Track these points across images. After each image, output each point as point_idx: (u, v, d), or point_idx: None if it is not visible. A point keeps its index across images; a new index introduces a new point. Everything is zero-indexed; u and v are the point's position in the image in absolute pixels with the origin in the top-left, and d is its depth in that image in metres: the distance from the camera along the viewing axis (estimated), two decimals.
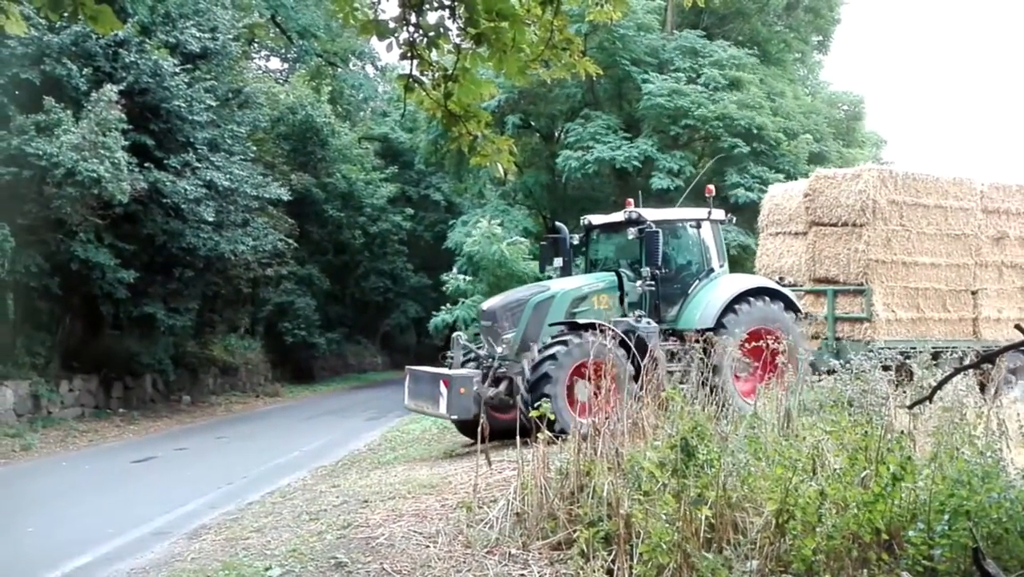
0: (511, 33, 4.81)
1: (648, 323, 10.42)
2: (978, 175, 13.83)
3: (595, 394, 9.34)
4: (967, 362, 8.01)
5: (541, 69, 5.55)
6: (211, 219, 17.61)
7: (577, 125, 24.55)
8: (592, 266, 12.09)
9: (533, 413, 6.96)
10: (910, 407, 6.15)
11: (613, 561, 4.78)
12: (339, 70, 36.47)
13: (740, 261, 19.26)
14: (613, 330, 9.93)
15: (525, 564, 5.28)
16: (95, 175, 14.10)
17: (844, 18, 35.89)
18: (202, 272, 19.81)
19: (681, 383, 8.59)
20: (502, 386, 10.35)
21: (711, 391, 7.35)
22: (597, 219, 12.13)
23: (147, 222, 17.21)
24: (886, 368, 8.46)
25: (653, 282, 10.76)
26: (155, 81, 16.46)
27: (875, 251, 12.60)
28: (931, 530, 4.21)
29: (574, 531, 5.27)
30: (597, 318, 10.18)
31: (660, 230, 10.67)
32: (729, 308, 10.70)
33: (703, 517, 4.50)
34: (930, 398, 5.29)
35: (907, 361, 9.66)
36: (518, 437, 6.47)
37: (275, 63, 35.91)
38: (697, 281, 11.33)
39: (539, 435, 6.20)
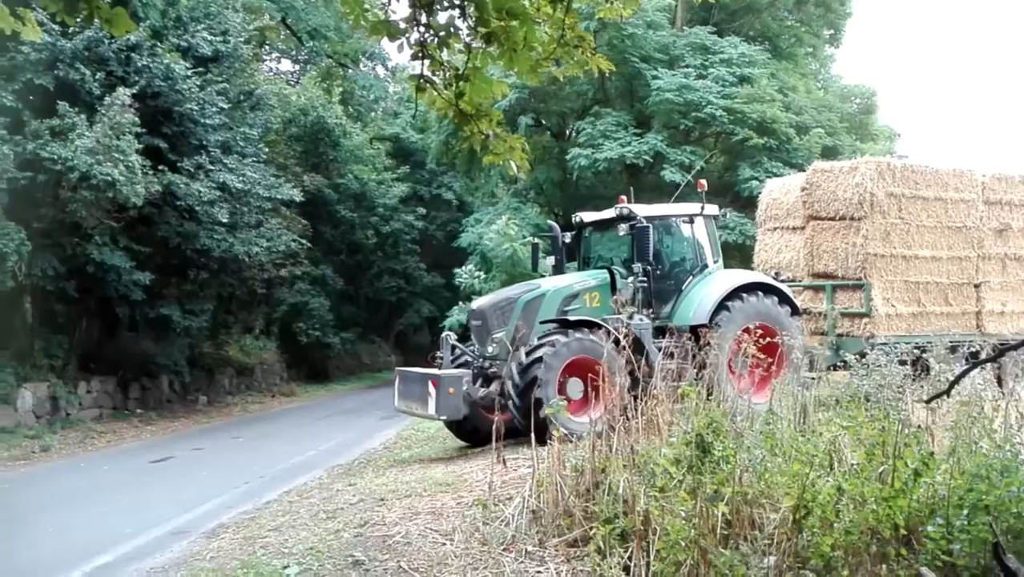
0: (522, 31, 4.81)
1: (641, 320, 10.29)
2: (980, 166, 13.64)
3: (594, 392, 9.32)
4: (983, 356, 7.96)
5: (552, 67, 5.55)
6: (225, 221, 17.70)
7: (587, 124, 24.54)
8: (585, 264, 11.94)
9: (549, 410, 6.99)
10: (927, 401, 6.12)
11: (630, 558, 4.78)
12: (350, 71, 36.53)
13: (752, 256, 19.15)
14: (606, 327, 9.72)
15: (542, 561, 5.29)
16: (110, 178, 14.20)
17: (856, 11, 35.63)
18: (217, 273, 19.94)
19: (675, 381, 8.51)
20: (493, 386, 10.20)
21: (708, 390, 7.26)
22: (589, 216, 11.98)
23: (161, 224, 17.31)
24: (902, 363, 8.42)
25: (645, 279, 10.63)
26: (167, 84, 16.55)
27: (874, 245, 12.37)
28: (950, 525, 4.19)
29: (590, 528, 5.27)
30: (589, 316, 10.10)
31: (651, 226, 10.53)
32: (723, 304, 10.57)
33: (720, 514, 4.49)
34: (948, 392, 5.25)
35: (923, 355, 9.61)
36: (533, 438, 6.47)
37: (286, 65, 36.06)
38: (691, 277, 11.19)
39: (554, 433, 6.22)
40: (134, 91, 15.30)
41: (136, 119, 14.96)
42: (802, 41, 30.06)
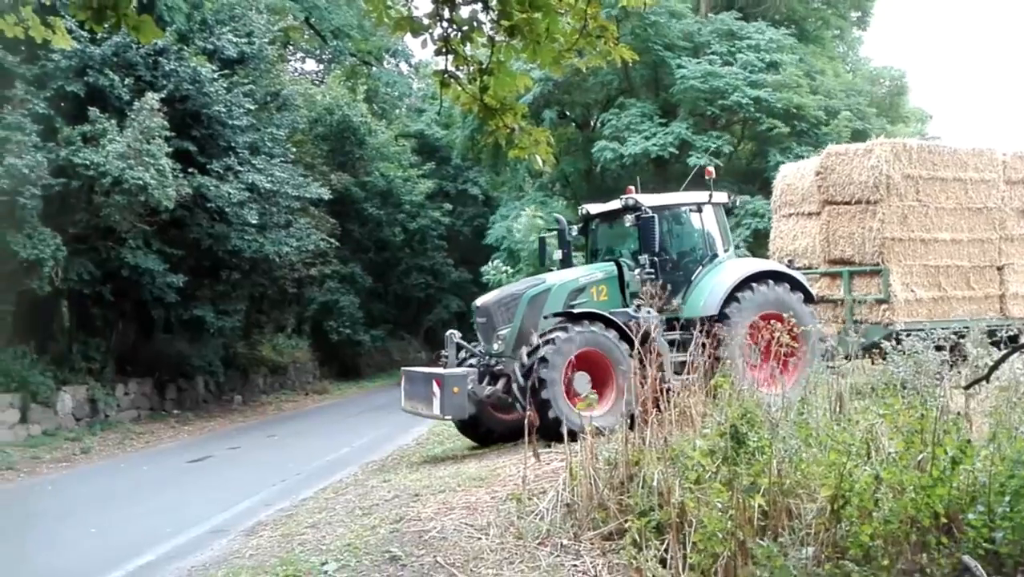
0: (544, 23, 4.79)
1: (648, 312, 10.00)
2: (1000, 145, 13.24)
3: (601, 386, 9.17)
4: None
5: (575, 58, 5.52)
6: (255, 221, 17.87)
7: (612, 116, 24.42)
8: (593, 257, 11.73)
9: (579, 406, 6.96)
10: (966, 388, 6.02)
11: (666, 550, 4.77)
12: (373, 69, 36.68)
13: None
14: (612, 320, 9.65)
15: (577, 555, 5.29)
16: (141, 182, 14.38)
17: None
18: (248, 274, 20.15)
19: (686, 373, 8.37)
20: (500, 384, 10.02)
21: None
22: (595, 208, 11.73)
23: (193, 227, 17.52)
24: (939, 348, 8.28)
25: (653, 270, 10.34)
26: (195, 88, 16.71)
27: (891, 229, 12.06)
28: (991, 512, 4.12)
29: (625, 521, 5.26)
30: (596, 310, 9.91)
31: (656, 215, 10.27)
32: (733, 295, 10.28)
33: (756, 505, 4.45)
34: (987, 378, 5.16)
35: (960, 341, 9.43)
36: (564, 435, 6.44)
37: (310, 65, 36.30)
38: (700, 267, 10.87)
39: (587, 425, 6.20)
40: (162, 95, 15.48)
41: (165, 123, 15.13)
42: (828, 24, 29.66)
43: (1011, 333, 10.15)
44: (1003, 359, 5.19)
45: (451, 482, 8.04)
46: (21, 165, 13.39)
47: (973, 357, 8.09)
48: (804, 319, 9.95)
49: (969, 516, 4.16)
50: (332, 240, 23.54)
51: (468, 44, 5.03)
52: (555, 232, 12.35)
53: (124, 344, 18.95)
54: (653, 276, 10.35)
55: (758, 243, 19.56)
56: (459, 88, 5.15)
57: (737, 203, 12.21)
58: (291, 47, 31.45)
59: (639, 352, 6.86)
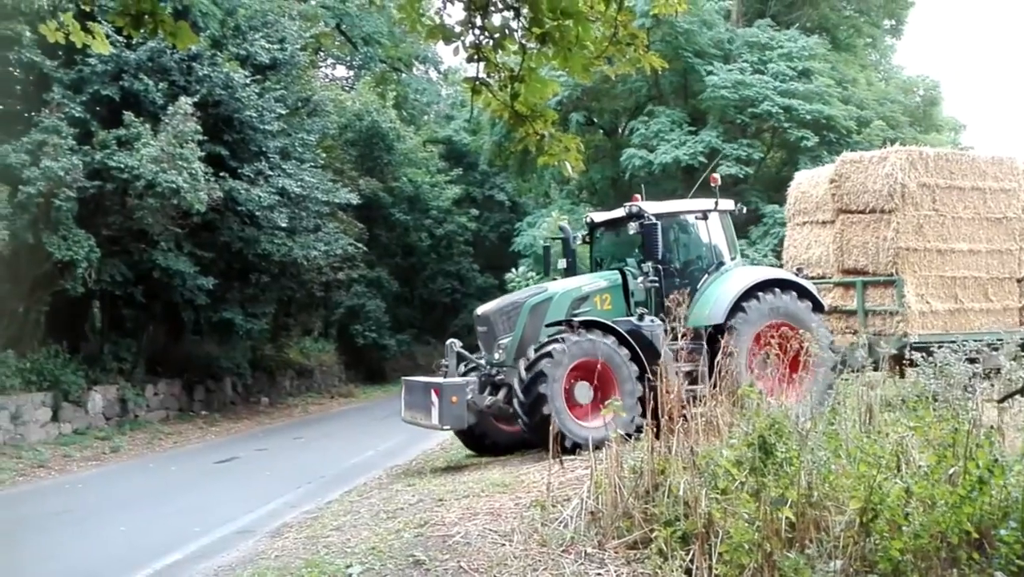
0: (575, 31, 4.80)
1: (652, 321, 9.93)
2: (1020, 154, 12.95)
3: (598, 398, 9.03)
4: None
5: (605, 65, 5.53)
6: (284, 225, 18.05)
7: (640, 124, 24.37)
8: (598, 266, 11.54)
9: (604, 411, 6.91)
10: (1000, 401, 5.93)
11: (691, 561, 4.73)
12: (403, 75, 36.93)
13: None
14: (614, 328, 9.50)
15: (601, 563, 5.26)
16: (174, 186, 14.58)
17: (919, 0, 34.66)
18: (277, 277, 20.34)
19: (692, 383, 8.24)
20: (500, 394, 9.82)
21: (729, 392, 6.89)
22: (599, 217, 11.62)
23: (224, 230, 17.73)
24: (971, 361, 8.14)
25: (656, 278, 10.20)
26: (227, 93, 16.92)
27: (906, 239, 11.77)
28: None
29: (651, 530, 5.23)
30: (600, 319, 9.75)
31: (659, 222, 10.04)
32: (739, 304, 10.08)
33: (784, 517, 4.41)
34: (1022, 391, 5.07)
35: (993, 353, 9.25)
36: (590, 442, 6.43)
37: (341, 71, 36.61)
38: (706, 276, 10.68)
39: (611, 433, 6.17)
40: (195, 100, 15.69)
41: (198, 127, 15.33)
42: (861, 32, 29.41)
43: None
44: None
45: (475, 487, 8.04)
46: (57, 168, 13.64)
47: (1007, 370, 7.94)
48: (812, 328, 9.77)
49: (1001, 532, 4.09)
50: (360, 245, 23.70)
51: (499, 51, 5.05)
52: (560, 240, 12.19)
53: (154, 345, 19.22)
54: (657, 284, 10.23)
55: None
56: (490, 95, 5.17)
57: (743, 211, 11.98)
58: (322, 53, 31.76)
59: (642, 360, 6.74)
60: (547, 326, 9.88)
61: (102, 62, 14.98)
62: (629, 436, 6.19)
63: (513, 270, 23.64)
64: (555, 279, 11.48)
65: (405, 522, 6.99)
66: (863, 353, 8.35)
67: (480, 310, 10.69)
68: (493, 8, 4.99)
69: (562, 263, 11.67)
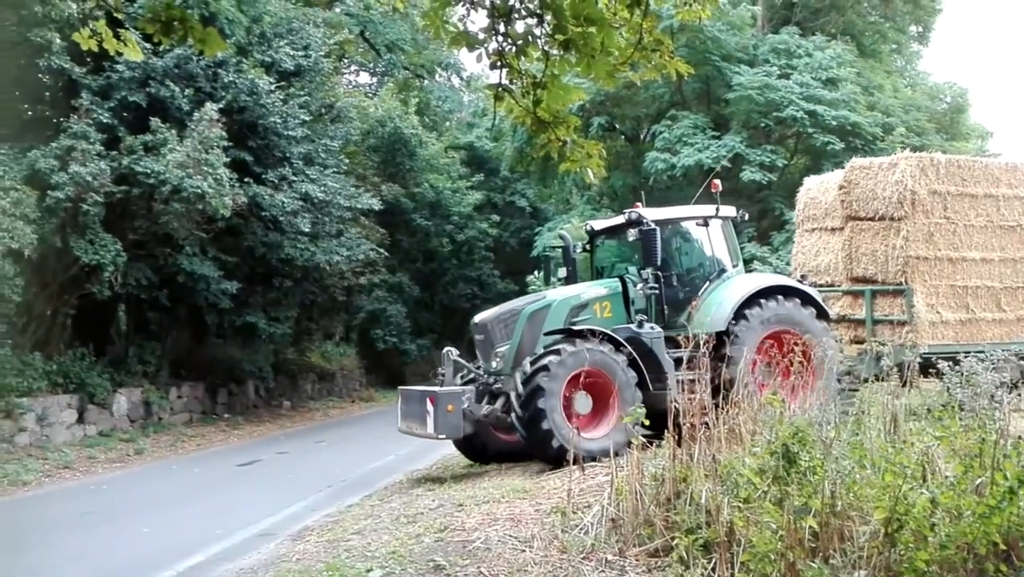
0: (599, 37, 4.80)
1: (652, 328, 9.79)
2: None
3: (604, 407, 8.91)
4: None
5: (629, 71, 5.52)
6: (307, 230, 18.16)
7: (664, 128, 24.33)
8: (598, 275, 11.44)
9: (627, 419, 6.88)
10: None
11: (713, 569, 4.71)
12: (425, 82, 37.11)
13: None
14: (613, 337, 9.40)
15: (622, 571, 5.25)
16: (199, 191, 14.73)
17: (946, 6, 34.36)
18: (300, 282, 20.47)
19: (693, 392, 8.13)
20: (498, 403, 9.73)
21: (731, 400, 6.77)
22: (599, 225, 11.54)
23: (247, 235, 17.87)
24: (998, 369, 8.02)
25: (656, 285, 10.11)
26: (252, 99, 17.07)
27: (915, 247, 11.49)
28: None
29: (672, 538, 5.20)
30: (600, 327, 9.63)
31: (657, 228, 9.95)
32: (741, 311, 9.95)
33: (807, 526, 4.37)
34: None
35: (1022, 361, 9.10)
36: (612, 449, 6.41)
37: (364, 77, 36.85)
38: (707, 283, 10.60)
39: (632, 439, 6.15)
40: (221, 106, 15.84)
41: (223, 133, 15.47)
42: (886, 38, 29.19)
43: None
44: None
45: (495, 493, 8.05)
46: (85, 173, 13.83)
47: None
48: (816, 336, 9.62)
49: None
50: (381, 250, 23.81)
51: (523, 58, 5.07)
52: (560, 249, 12.05)
53: (178, 348, 19.40)
54: (657, 291, 10.14)
55: None
56: (512, 101, 5.19)
57: (745, 217, 11.80)
58: (346, 60, 31.97)
59: (642, 368, 6.61)
60: (545, 334, 9.76)
61: (130, 69, 15.16)
62: (630, 444, 6.12)
63: (535, 273, 23.64)
64: (556, 288, 11.40)
65: (425, 527, 7.01)
66: (871, 363, 8.17)
67: (477, 318, 10.59)
68: (516, 15, 5.01)
69: (562, 272, 11.57)
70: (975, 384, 7.26)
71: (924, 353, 10.48)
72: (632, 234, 10.21)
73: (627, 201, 27.19)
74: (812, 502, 4.53)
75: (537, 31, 5.07)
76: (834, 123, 22.27)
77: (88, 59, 14.79)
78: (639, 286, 10.19)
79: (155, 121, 15.17)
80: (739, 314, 9.95)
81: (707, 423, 6.13)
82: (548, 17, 4.94)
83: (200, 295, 17.27)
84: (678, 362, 9.62)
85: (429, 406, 9.54)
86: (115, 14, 6.31)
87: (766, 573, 4.27)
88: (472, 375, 10.43)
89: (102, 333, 17.58)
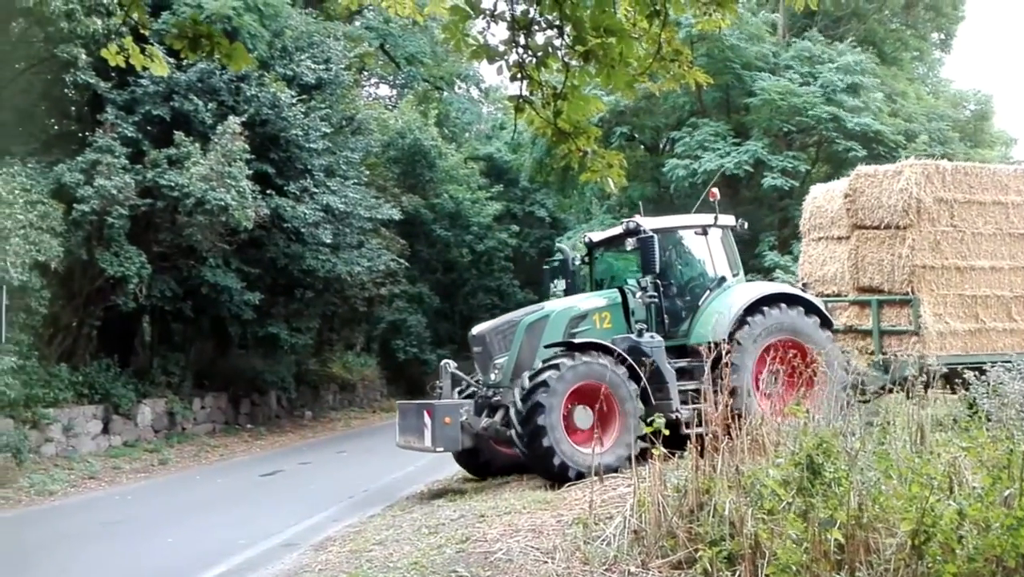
0: (619, 48, 4.81)
1: (652, 337, 9.66)
2: None
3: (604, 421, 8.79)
4: None
5: (648, 82, 5.53)
6: (328, 241, 18.30)
7: (684, 135, 24.28)
8: (598, 287, 11.34)
9: (648, 429, 6.83)
10: None
11: None
12: (445, 94, 37.31)
13: None
14: (614, 349, 9.27)
15: None
16: (223, 203, 14.89)
17: (969, 13, 34.06)
18: (321, 292, 20.61)
19: (695, 403, 8.01)
20: (497, 416, 9.61)
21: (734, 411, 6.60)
22: (598, 236, 11.46)
23: (270, 246, 18.04)
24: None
25: (656, 294, 10.00)
26: (274, 112, 17.25)
27: (921, 256, 11.24)
28: None
29: (695, 550, 5.16)
30: (599, 338, 9.53)
31: (655, 236, 9.81)
32: (743, 319, 9.82)
33: (833, 538, 4.33)
34: None
35: None
36: (633, 457, 6.38)
37: (384, 90, 37.12)
38: (708, 292, 10.49)
39: (654, 450, 6.12)
40: (243, 119, 16.02)
41: (246, 146, 15.65)
42: (907, 45, 29.00)
43: None
44: None
45: (516, 504, 8.03)
46: (110, 186, 14.04)
47: None
48: (820, 345, 9.50)
49: None
50: (402, 260, 23.91)
51: (543, 69, 5.09)
52: (559, 262, 11.99)
53: (202, 359, 19.58)
54: (656, 300, 10.05)
55: None
56: (533, 112, 5.21)
57: (745, 227, 11.70)
58: (366, 73, 32.22)
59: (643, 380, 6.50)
60: (545, 347, 9.65)
61: (154, 83, 15.37)
62: (629, 460, 6.04)
63: (554, 282, 23.62)
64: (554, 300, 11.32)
65: (447, 537, 7.01)
66: (879, 374, 7.99)
67: (475, 330, 10.50)
68: (536, 27, 5.03)
69: (561, 284, 11.51)
70: (1002, 394, 7.18)
71: (931, 364, 10.37)
72: (630, 243, 10.16)
73: (647, 211, 27.18)
74: (837, 514, 4.48)
75: (557, 42, 5.09)
76: (857, 129, 22.13)
77: (113, 74, 15.01)
78: (638, 295, 10.11)
79: (179, 135, 15.37)
80: (742, 321, 9.86)
81: (730, 433, 6.09)
82: (568, 28, 4.96)
83: (223, 306, 17.43)
84: (680, 372, 9.62)
85: (426, 419, 9.45)
86: (141, 30, 6.39)
87: None
88: (471, 388, 10.35)
89: (127, 344, 17.79)
